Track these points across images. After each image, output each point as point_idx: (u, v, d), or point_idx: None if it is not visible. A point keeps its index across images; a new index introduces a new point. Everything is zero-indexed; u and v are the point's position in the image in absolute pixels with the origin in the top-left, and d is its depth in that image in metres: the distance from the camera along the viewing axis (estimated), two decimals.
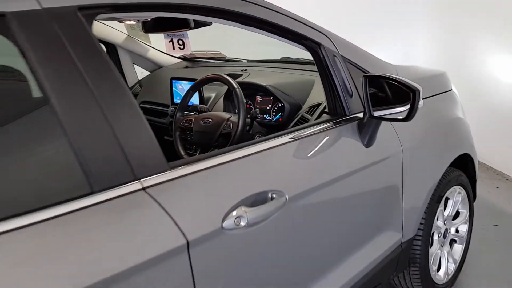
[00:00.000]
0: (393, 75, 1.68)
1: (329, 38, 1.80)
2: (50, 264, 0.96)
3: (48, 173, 1.09)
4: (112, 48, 3.24)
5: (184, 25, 2.04)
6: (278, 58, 3.00)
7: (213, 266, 1.25)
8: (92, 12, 1.17)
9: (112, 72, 1.16)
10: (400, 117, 1.66)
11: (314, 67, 1.87)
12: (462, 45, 4.73)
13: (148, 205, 1.14)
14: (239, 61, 3.25)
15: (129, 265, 1.05)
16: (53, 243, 0.98)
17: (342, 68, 1.81)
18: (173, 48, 2.37)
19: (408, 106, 1.63)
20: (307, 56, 1.85)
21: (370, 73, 1.91)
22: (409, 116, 1.64)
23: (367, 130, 1.79)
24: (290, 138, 1.57)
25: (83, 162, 1.06)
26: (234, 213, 1.29)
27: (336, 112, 1.84)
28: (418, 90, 1.60)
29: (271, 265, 1.47)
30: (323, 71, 1.81)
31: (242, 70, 2.87)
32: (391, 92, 1.69)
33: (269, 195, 1.40)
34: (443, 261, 2.56)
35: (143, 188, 1.15)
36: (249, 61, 3.20)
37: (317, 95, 2.30)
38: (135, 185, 1.14)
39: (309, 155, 1.60)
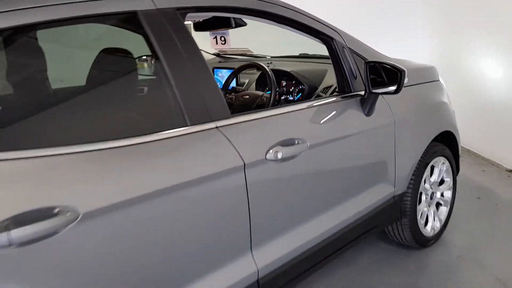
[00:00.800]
0: (386, 61, 2.30)
1: (339, 34, 2.43)
2: (158, 163, 1.58)
3: (164, 110, 1.74)
4: None
5: (226, 25, 2.68)
6: (297, 54, 3.64)
7: (259, 181, 1.87)
8: (184, 11, 1.82)
9: (198, 50, 1.80)
10: (392, 91, 2.27)
11: (326, 60, 2.49)
12: (458, 43, 5.31)
13: (220, 138, 1.77)
14: (264, 57, 3.89)
15: (209, 172, 1.68)
16: (160, 154, 1.60)
17: (349, 57, 2.43)
18: (216, 44, 3.02)
19: (393, 88, 2.26)
20: (320, 52, 2.47)
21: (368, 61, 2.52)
22: (397, 90, 2.25)
23: (367, 103, 2.40)
24: (310, 105, 2.20)
25: (183, 106, 1.70)
26: (273, 149, 1.91)
27: (344, 90, 2.46)
28: (404, 70, 2.22)
29: (296, 189, 2.09)
30: (334, 59, 2.43)
31: (268, 63, 3.50)
32: (385, 75, 2.31)
33: (296, 141, 2.02)
34: (430, 218, 3.15)
35: (216, 127, 1.78)
36: (272, 57, 3.84)
37: (329, 80, 2.92)
38: (211, 124, 1.77)
39: (323, 117, 2.22)
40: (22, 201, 1.26)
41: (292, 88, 3.09)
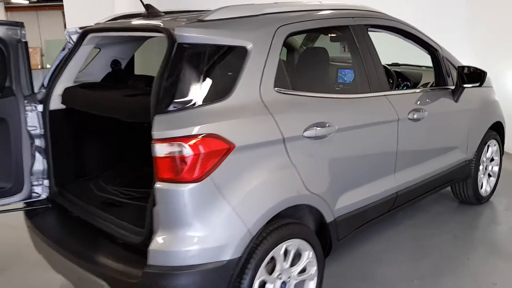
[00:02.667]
0: (472, 66, 3.59)
1: (440, 47, 3.72)
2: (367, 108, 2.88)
3: (360, 81, 3.03)
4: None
5: None
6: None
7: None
8: (368, 27, 3.10)
9: (374, 48, 3.07)
10: (477, 85, 3.54)
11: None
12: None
13: (386, 102, 3.03)
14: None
15: (384, 119, 2.93)
16: (363, 103, 2.91)
17: (446, 62, 3.71)
18: (344, 51, 4.31)
19: (476, 82, 3.53)
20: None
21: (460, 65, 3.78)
22: (481, 84, 3.53)
23: (456, 93, 3.67)
24: (423, 91, 3.48)
25: (370, 79, 2.98)
26: (411, 112, 3.16)
27: (440, 84, 3.73)
28: (486, 72, 3.50)
29: (422, 140, 3.36)
30: (436, 63, 3.71)
31: None
32: (466, 76, 3.58)
33: (421, 110, 3.28)
34: (484, 183, 4.40)
35: (385, 95, 3.05)
36: None
37: (425, 79, 4.17)
38: (381, 93, 3.05)
39: (432, 99, 3.49)
40: (313, 118, 2.53)
41: (402, 82, 4.34)
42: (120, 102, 2.64)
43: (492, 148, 4.41)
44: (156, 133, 2.03)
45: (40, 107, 2.88)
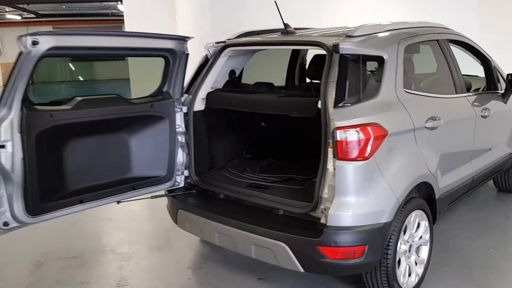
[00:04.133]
0: None
1: (491, 58, 4.43)
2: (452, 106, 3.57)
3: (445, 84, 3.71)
4: None
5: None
6: None
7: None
8: (448, 41, 3.79)
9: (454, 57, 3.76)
10: None
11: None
12: None
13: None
14: None
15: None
16: (450, 103, 3.59)
17: (495, 71, 4.43)
18: None
19: None
20: None
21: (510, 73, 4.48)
22: None
23: (506, 96, 4.39)
24: (482, 94, 4.18)
25: (456, 82, 3.67)
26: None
27: (491, 89, 4.44)
28: None
29: (488, 132, 4.04)
30: (488, 71, 4.42)
31: None
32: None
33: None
34: None
35: (465, 97, 3.74)
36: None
37: (475, 85, 4.85)
38: (462, 95, 3.74)
39: (489, 101, 4.19)
40: (429, 113, 3.17)
41: None
42: (281, 101, 3.24)
43: None
44: (337, 123, 2.63)
45: (184, 109, 3.44)
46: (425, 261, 3.20)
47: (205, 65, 3.58)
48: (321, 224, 2.75)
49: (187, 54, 3.31)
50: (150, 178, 3.32)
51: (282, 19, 3.32)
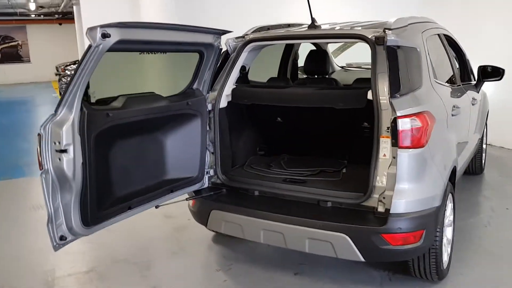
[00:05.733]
0: (491, 65, 4.73)
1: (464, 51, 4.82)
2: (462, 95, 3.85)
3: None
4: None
5: None
6: None
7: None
8: (444, 35, 4.07)
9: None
10: (497, 79, 4.70)
11: None
12: None
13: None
14: None
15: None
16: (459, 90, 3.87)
17: (469, 63, 4.82)
18: None
19: (497, 77, 4.68)
20: None
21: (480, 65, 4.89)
22: (500, 79, 4.69)
23: (478, 86, 4.79)
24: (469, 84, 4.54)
25: (456, 74, 3.95)
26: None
27: (465, 80, 4.83)
28: (504, 69, 4.67)
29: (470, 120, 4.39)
30: (463, 65, 4.80)
31: None
32: (486, 73, 4.73)
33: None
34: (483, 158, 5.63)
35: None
36: None
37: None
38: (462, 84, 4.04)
39: (473, 90, 4.55)
40: (453, 101, 3.40)
41: None
42: (325, 94, 3.25)
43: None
44: (399, 112, 2.71)
45: (209, 106, 3.32)
46: (451, 241, 3.42)
47: (225, 61, 3.48)
48: (380, 213, 2.82)
49: (221, 49, 3.20)
50: (184, 179, 3.16)
51: (311, 13, 3.34)
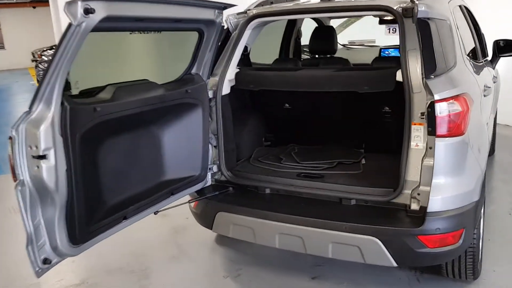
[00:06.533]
0: (507, 39, 4.37)
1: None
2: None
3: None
4: None
5: None
6: None
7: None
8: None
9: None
10: None
11: None
12: None
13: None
14: (377, 46, 5.72)
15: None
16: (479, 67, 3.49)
17: (484, 38, 4.45)
18: (389, 32, 4.82)
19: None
20: None
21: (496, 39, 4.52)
22: None
23: (493, 62, 4.43)
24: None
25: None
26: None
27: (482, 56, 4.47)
28: None
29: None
30: (480, 40, 4.43)
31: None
32: (502, 48, 4.36)
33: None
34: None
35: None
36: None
37: None
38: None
39: (488, 66, 4.20)
40: (484, 80, 3.02)
41: None
42: (347, 76, 2.84)
43: None
44: (436, 95, 2.32)
45: (210, 93, 2.90)
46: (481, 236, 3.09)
47: (226, 41, 3.04)
48: (413, 211, 2.46)
49: (223, 26, 2.76)
50: (186, 179, 2.75)
51: None
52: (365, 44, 5.56)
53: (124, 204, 2.29)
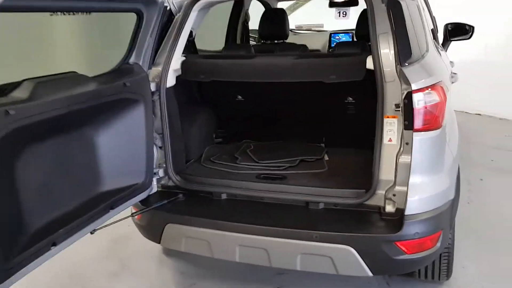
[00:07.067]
0: (458, 22, 4.25)
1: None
2: None
3: None
4: None
5: (353, 3, 4.28)
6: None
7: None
8: None
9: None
10: (466, 38, 4.23)
11: None
12: None
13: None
14: (325, 30, 5.45)
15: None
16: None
17: (435, 22, 4.32)
18: (339, 16, 4.54)
19: (467, 36, 4.21)
20: None
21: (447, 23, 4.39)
22: (470, 37, 4.23)
23: (445, 46, 4.31)
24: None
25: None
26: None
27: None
28: (473, 26, 4.21)
29: None
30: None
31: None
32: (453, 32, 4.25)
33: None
34: None
35: None
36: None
37: None
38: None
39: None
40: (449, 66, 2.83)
41: None
42: (310, 65, 2.50)
43: None
44: (414, 84, 2.05)
45: (152, 86, 2.49)
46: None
47: (169, 26, 2.63)
48: (388, 214, 2.22)
49: (166, 7, 2.35)
50: (128, 188, 2.34)
51: None
52: (313, 28, 5.30)
53: (52, 228, 1.86)
